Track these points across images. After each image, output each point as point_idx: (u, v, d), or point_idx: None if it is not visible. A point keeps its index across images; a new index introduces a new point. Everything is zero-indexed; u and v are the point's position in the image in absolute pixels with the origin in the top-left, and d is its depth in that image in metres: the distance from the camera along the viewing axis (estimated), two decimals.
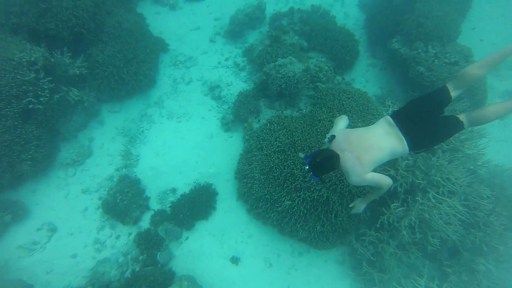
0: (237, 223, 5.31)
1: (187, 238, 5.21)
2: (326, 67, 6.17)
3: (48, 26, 5.42)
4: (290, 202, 4.84)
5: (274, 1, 8.05)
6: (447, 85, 2.95)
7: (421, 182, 4.46)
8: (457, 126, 2.92)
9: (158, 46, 6.99)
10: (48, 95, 5.24)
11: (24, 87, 4.93)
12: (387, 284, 4.69)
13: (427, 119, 2.88)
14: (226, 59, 7.24)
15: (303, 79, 5.85)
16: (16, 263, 4.80)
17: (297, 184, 4.83)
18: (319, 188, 4.74)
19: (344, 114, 5.21)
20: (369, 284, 4.83)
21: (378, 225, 4.69)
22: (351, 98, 5.59)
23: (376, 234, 4.80)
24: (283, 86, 5.83)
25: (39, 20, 5.37)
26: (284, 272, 5.05)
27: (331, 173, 2.93)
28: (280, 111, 6.00)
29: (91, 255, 4.96)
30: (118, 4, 6.72)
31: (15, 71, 4.83)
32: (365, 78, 6.95)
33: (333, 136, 2.89)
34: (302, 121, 5.41)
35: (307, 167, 2.77)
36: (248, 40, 7.43)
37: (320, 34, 6.48)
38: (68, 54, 5.64)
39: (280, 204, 4.87)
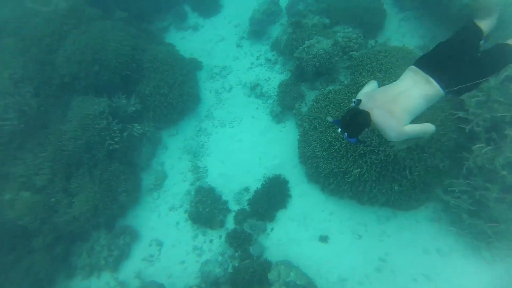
0: (315, 204, 5.70)
1: (272, 229, 5.72)
2: (355, 35, 6.39)
3: (103, 78, 6.39)
4: (358, 169, 5.10)
5: None
6: (473, 20, 2.83)
7: (506, 114, 4.25)
8: (508, 53, 2.72)
9: (192, 66, 7.75)
10: (119, 135, 6.18)
11: (102, 133, 5.90)
12: (504, 235, 4.37)
13: (460, 58, 2.76)
14: (258, 58, 7.77)
15: (335, 52, 6.13)
16: (144, 272, 5.79)
17: (360, 150, 5.09)
18: (383, 148, 4.93)
19: (384, 72, 5.40)
20: (480, 237, 4.57)
21: (464, 172, 4.62)
22: (389, 56, 5.72)
23: (467, 182, 4.63)
24: (317, 65, 6.16)
25: (97, 77, 6.36)
26: (376, 241, 5.24)
27: (367, 130, 2.85)
28: (322, 89, 6.32)
29: (194, 259, 5.72)
30: (149, 41, 7.62)
31: (94, 123, 5.82)
32: (400, 33, 6.96)
33: (359, 100, 2.91)
34: (346, 91, 5.67)
35: (340, 130, 2.79)
36: (272, 35, 7.90)
37: (339, 7, 6.73)
38: (123, 96, 6.58)
39: (350, 174, 5.16)
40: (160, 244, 6.03)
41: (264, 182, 6.05)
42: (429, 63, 2.86)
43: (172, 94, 6.88)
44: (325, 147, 5.38)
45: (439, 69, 2.78)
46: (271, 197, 5.78)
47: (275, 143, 6.54)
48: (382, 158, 4.96)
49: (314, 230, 5.50)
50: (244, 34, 8.15)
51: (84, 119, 5.83)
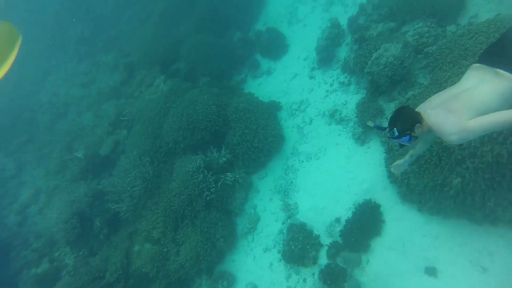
0: (414, 228, 5.11)
1: (367, 261, 5.35)
2: (426, 28, 5.94)
3: (197, 137, 7.71)
4: (459, 178, 4.48)
5: (343, 10, 8.76)
6: None
7: None
8: None
9: (272, 108, 8.45)
10: (214, 185, 7.16)
11: (200, 186, 7.00)
12: None
13: None
14: (331, 84, 7.94)
15: (406, 55, 5.81)
16: None
17: (456, 156, 4.50)
18: (488, 148, 4.24)
19: (472, 57, 4.79)
20: None
21: None
22: (477, 35, 5.06)
23: None
24: (390, 74, 5.93)
25: (192, 137, 7.73)
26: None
27: (420, 130, 2.53)
28: (401, 98, 5.96)
29: None
30: (231, 95, 8.81)
31: (192, 178, 7.02)
32: (494, 2, 5.92)
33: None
34: (427, 93, 5.21)
35: (389, 132, 2.59)
36: (340, 57, 8.03)
37: (402, 5, 6.46)
38: (215, 149, 7.69)
39: (449, 185, 4.56)
40: (255, 287, 6.37)
41: (355, 210, 5.85)
42: (496, 55, 2.48)
43: (257, 138, 7.58)
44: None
45: (510, 57, 2.38)
46: (363, 225, 5.51)
47: (362, 166, 6.33)
48: (490, 160, 4.26)
49: (418, 259, 4.82)
50: (314, 65, 8.53)
51: (184, 176, 7.07)
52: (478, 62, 2.60)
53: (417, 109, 2.71)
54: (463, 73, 2.77)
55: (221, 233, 6.81)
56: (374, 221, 5.49)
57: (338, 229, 5.95)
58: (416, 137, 2.62)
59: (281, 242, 6.55)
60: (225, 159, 7.68)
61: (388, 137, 2.68)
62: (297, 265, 6.06)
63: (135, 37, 11.53)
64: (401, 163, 3.26)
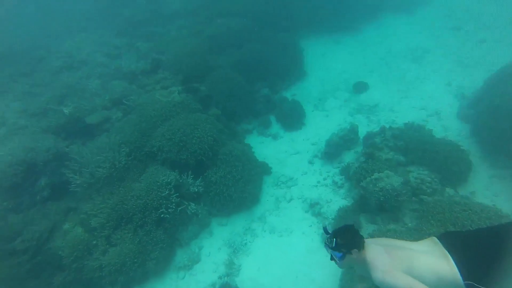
0: None
1: None
2: (429, 179, 6.31)
3: (181, 157, 7.49)
4: None
5: (366, 122, 9.37)
6: None
7: None
8: None
9: (262, 169, 8.48)
10: (174, 207, 6.78)
11: (160, 201, 6.63)
12: None
13: (500, 255, 2.30)
14: (325, 179, 8.11)
15: (403, 191, 6.06)
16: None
17: None
18: None
19: (460, 228, 4.99)
20: None
21: None
22: (469, 211, 5.31)
23: None
24: (382, 199, 6.11)
25: (177, 154, 7.52)
26: None
27: (355, 254, 2.61)
28: (382, 226, 6.07)
29: None
30: (230, 138, 8.86)
31: (158, 189, 6.68)
32: (491, 192, 6.61)
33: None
34: (408, 235, 5.34)
35: (328, 239, 2.64)
36: (344, 160, 8.36)
37: (417, 147, 6.94)
38: (191, 176, 7.45)
39: None
40: None
41: None
42: (456, 241, 2.53)
43: (235, 188, 7.45)
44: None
45: (467, 253, 2.40)
46: None
47: (318, 267, 6.18)
48: None
49: None
50: (318, 153, 8.81)
51: (152, 184, 6.72)
52: (439, 238, 2.67)
53: (365, 239, 2.77)
54: None
55: (157, 255, 6.32)
56: None
57: None
58: (345, 258, 2.63)
59: None
60: (196, 190, 7.44)
61: (325, 244, 2.74)
62: None
63: (177, 42, 11.80)
64: None
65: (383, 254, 2.52)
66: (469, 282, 2.30)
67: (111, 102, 9.21)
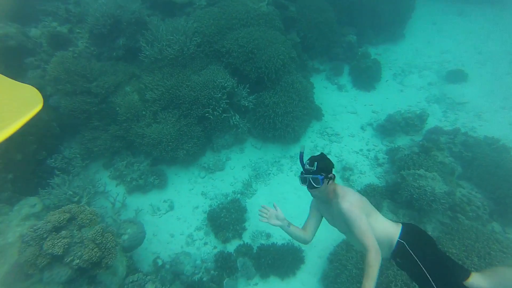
0: None
1: (256, 284, 5.34)
2: (479, 203, 5.65)
3: (245, 68, 7.15)
4: None
5: (439, 116, 8.22)
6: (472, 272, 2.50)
7: None
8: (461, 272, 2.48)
9: (314, 113, 8.02)
10: (219, 112, 6.74)
11: (210, 100, 6.56)
12: None
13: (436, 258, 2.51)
14: (369, 150, 7.57)
15: (442, 201, 5.53)
16: (142, 214, 6.13)
17: None
18: None
19: (482, 260, 4.57)
20: None
21: None
22: (508, 254, 4.75)
23: None
24: (414, 197, 5.67)
25: (242, 64, 7.17)
26: None
27: (332, 179, 2.53)
28: (404, 220, 5.76)
29: (181, 243, 5.77)
30: (298, 70, 8.21)
31: (212, 89, 6.56)
32: None
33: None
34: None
35: (308, 163, 2.47)
36: (396, 141, 7.63)
37: (485, 167, 6.08)
38: (247, 90, 7.20)
39: None
40: (171, 207, 6.38)
41: (285, 243, 5.72)
42: (415, 231, 2.68)
43: (282, 118, 7.10)
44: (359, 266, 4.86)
45: (416, 241, 2.57)
46: (279, 259, 5.41)
47: None
48: None
49: None
50: (374, 123, 8.09)
51: (208, 82, 6.56)
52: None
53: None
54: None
55: (189, 147, 6.56)
56: (287, 268, 5.46)
57: (262, 241, 5.87)
58: (323, 183, 2.49)
59: (218, 202, 6.39)
60: (246, 104, 7.22)
61: (304, 169, 2.53)
62: (211, 229, 5.98)
63: None
64: (280, 225, 2.76)
65: (354, 194, 2.60)
66: (402, 241, 2.54)
67: None
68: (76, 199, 5.56)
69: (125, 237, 4.91)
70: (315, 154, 2.64)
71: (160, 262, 5.30)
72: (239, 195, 6.51)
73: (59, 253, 3.69)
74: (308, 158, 2.58)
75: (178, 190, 6.58)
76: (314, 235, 2.86)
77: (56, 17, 7.33)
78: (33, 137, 5.99)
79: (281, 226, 2.74)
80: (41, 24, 7.12)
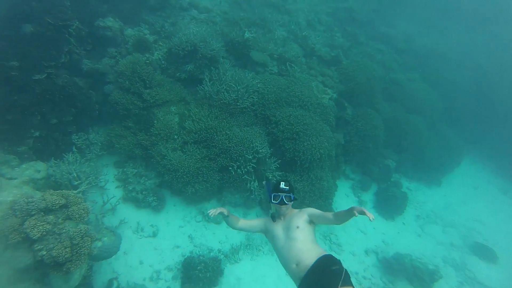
0: None
1: None
2: None
3: (285, 145, 7.54)
4: None
5: (453, 285, 7.96)
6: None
7: None
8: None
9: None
10: (243, 171, 6.96)
11: (240, 157, 6.88)
12: None
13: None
14: (364, 278, 7.48)
15: None
16: (125, 227, 6.16)
17: None
18: None
19: None
20: None
21: None
22: None
23: None
24: None
25: (284, 140, 7.58)
26: None
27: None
28: None
29: (145, 275, 5.75)
30: (331, 168, 8.54)
31: (247, 148, 6.89)
32: None
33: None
34: None
35: (287, 185, 3.31)
36: (397, 285, 7.40)
37: None
38: (277, 165, 7.41)
39: None
40: (155, 234, 6.39)
41: None
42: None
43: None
44: None
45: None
46: None
47: None
48: None
49: None
50: (380, 253, 7.96)
51: (246, 140, 6.96)
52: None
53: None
54: None
55: (198, 187, 6.78)
56: None
57: None
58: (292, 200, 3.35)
59: (198, 254, 6.32)
60: (270, 177, 7.38)
61: (280, 188, 3.32)
62: (183, 280, 5.85)
63: (366, 65, 11.48)
64: (220, 212, 3.41)
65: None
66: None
67: (278, 58, 9.55)
68: (76, 183, 5.73)
69: (99, 244, 4.87)
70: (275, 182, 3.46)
71: (115, 285, 5.12)
72: (222, 256, 6.43)
73: (34, 237, 3.73)
74: (277, 182, 3.40)
75: (168, 221, 6.63)
76: (242, 229, 3.58)
77: (151, 27, 8.40)
78: (75, 109, 6.46)
79: (221, 212, 3.39)
80: (137, 28, 8.14)
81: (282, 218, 3.38)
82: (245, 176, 7.03)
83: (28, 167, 5.29)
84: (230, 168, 6.87)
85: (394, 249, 8.09)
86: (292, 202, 3.36)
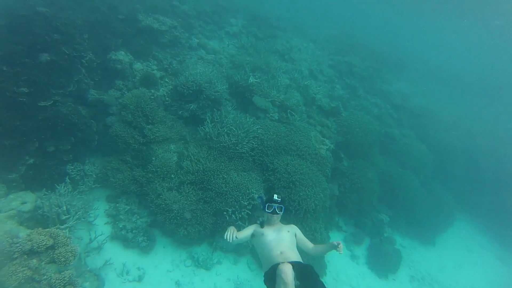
0: None
1: None
2: None
3: (280, 193, 7.61)
4: None
5: None
6: None
7: None
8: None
9: (317, 267, 7.89)
10: (237, 217, 6.94)
11: (235, 203, 6.89)
12: None
13: None
14: None
15: None
16: (109, 269, 5.95)
17: None
18: None
19: None
20: None
21: None
22: None
23: None
24: None
25: (280, 188, 7.66)
26: None
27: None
28: None
29: None
30: (324, 220, 8.55)
31: (243, 194, 6.94)
32: None
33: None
34: None
35: (278, 195, 3.93)
36: None
37: None
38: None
39: None
40: (140, 278, 6.13)
41: None
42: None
43: None
44: None
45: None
46: None
47: None
48: None
49: None
50: None
51: (242, 186, 6.99)
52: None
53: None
54: None
55: (191, 230, 6.71)
56: None
57: None
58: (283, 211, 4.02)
59: None
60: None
61: (274, 200, 3.92)
62: None
63: (362, 119, 12.00)
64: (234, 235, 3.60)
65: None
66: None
67: (279, 105, 9.88)
68: (64, 217, 5.59)
69: None
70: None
71: None
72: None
73: (10, 287, 3.58)
74: (270, 197, 3.96)
75: (156, 265, 6.44)
76: (240, 242, 3.92)
77: (159, 63, 8.73)
78: (74, 138, 6.48)
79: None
80: (146, 63, 8.45)
81: (271, 226, 3.91)
82: (239, 222, 6.99)
83: (16, 198, 5.18)
84: (225, 212, 6.85)
85: None
86: (282, 213, 3.91)
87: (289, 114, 9.55)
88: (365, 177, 10.00)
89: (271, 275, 3.28)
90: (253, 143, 7.93)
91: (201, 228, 6.73)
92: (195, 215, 6.69)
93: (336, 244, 3.44)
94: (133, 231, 6.41)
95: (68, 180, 6.21)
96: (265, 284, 3.48)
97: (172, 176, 7.11)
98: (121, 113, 7.27)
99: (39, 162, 6.05)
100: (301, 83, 11.38)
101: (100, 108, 7.29)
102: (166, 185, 6.91)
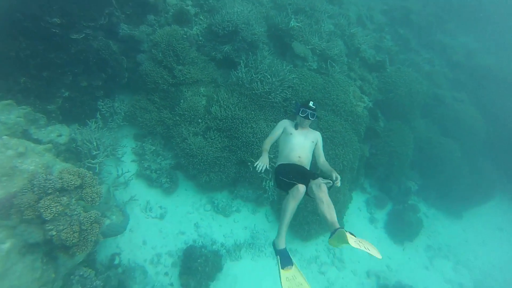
0: None
1: None
2: None
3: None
4: None
5: None
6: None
7: None
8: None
9: None
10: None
11: None
12: None
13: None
14: None
15: None
16: (134, 204, 6.45)
17: None
18: None
19: None
20: None
21: None
22: None
23: None
24: None
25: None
26: None
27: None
28: None
29: (146, 256, 6.10)
30: (350, 181, 8.58)
31: None
32: None
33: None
34: None
35: (313, 104, 4.17)
36: None
37: None
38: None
39: None
40: (163, 216, 6.70)
41: None
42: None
43: (307, 213, 7.42)
44: None
45: None
46: None
47: None
48: None
49: None
50: (381, 277, 8.13)
51: None
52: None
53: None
54: None
55: (213, 177, 7.01)
56: None
57: None
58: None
59: (200, 244, 6.61)
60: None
61: (309, 106, 4.18)
62: (182, 270, 6.18)
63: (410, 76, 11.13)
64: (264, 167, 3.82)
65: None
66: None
67: (320, 54, 9.35)
68: (94, 153, 5.98)
69: (107, 222, 5.20)
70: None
71: (116, 261, 5.48)
72: (224, 251, 6.74)
73: (46, 218, 4.00)
74: (306, 102, 4.24)
75: (177, 205, 6.96)
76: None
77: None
78: (105, 74, 6.62)
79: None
80: None
81: (301, 129, 4.24)
82: (263, 174, 7.14)
83: (53, 130, 5.56)
84: (249, 163, 6.99)
85: (397, 276, 8.24)
86: (314, 119, 4.22)
87: (329, 65, 9.08)
88: (401, 140, 9.68)
89: (284, 171, 3.77)
90: (286, 93, 7.74)
91: (223, 176, 7.01)
92: (219, 162, 6.91)
93: (335, 177, 3.64)
94: (157, 172, 6.81)
95: (99, 116, 6.52)
96: (275, 171, 3.97)
97: (199, 121, 7.22)
98: (152, 51, 7.23)
99: (74, 95, 6.33)
100: (346, 30, 10.57)
101: (130, 44, 7.26)
102: (193, 129, 7.06)
